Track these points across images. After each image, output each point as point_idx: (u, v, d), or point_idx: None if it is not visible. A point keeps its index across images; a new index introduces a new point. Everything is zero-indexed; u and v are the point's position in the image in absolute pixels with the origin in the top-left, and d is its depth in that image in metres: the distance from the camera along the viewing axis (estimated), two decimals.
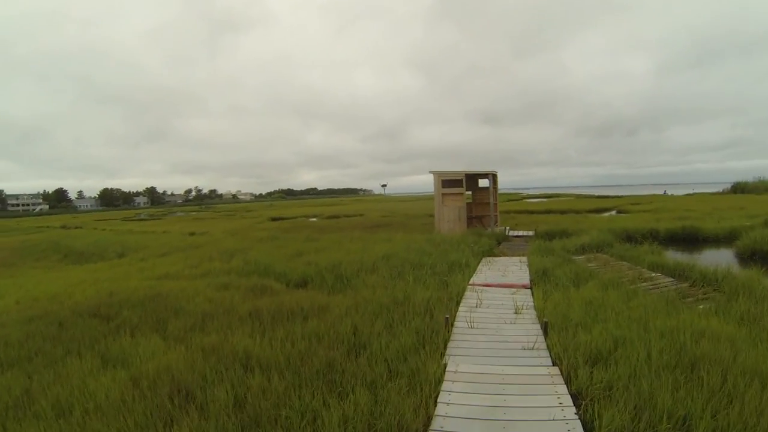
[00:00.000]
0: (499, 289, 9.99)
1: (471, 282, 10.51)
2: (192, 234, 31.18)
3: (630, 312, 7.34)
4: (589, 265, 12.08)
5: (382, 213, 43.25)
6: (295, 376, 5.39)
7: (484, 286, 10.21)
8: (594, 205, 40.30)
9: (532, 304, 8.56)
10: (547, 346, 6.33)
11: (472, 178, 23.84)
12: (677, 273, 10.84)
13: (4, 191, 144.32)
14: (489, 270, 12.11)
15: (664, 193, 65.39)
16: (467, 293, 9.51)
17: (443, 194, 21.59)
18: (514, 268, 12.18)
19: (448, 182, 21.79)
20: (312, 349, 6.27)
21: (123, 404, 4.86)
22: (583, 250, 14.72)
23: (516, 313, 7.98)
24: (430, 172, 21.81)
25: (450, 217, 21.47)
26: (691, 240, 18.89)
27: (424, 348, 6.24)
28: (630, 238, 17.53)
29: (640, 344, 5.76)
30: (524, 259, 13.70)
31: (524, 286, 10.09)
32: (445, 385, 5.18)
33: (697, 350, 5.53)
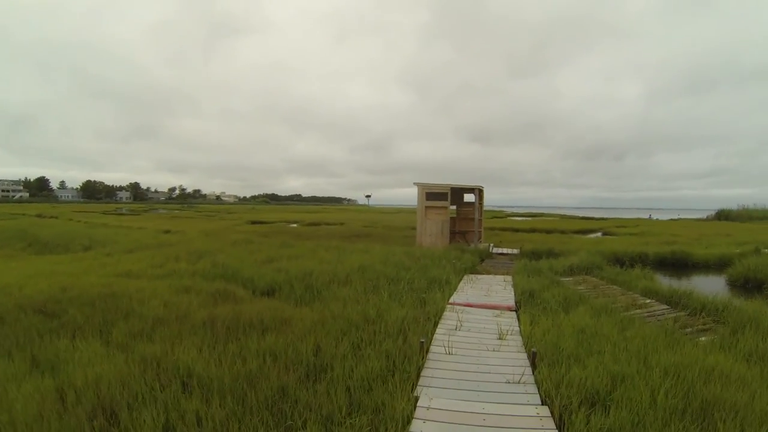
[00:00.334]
0: (482, 310, 9.15)
1: (451, 301, 9.68)
2: (167, 232, 30.07)
3: (627, 343, 6.62)
4: (579, 288, 11.31)
5: (363, 223, 42.49)
6: (239, 404, 4.63)
7: (465, 305, 9.38)
8: (579, 226, 39.73)
9: (518, 329, 7.73)
10: (536, 380, 5.51)
11: (457, 192, 23.16)
12: (673, 300, 10.13)
13: None
14: (471, 288, 11.29)
15: (649, 217, 65.32)
16: (446, 313, 8.67)
17: (427, 207, 20.81)
18: (498, 288, 11.39)
19: (433, 195, 20.99)
20: (265, 369, 5.49)
21: (37, 420, 4.22)
22: (571, 271, 13.96)
23: (500, 338, 7.15)
24: (415, 183, 21.02)
25: (432, 231, 20.68)
26: (680, 265, 18.35)
27: (393, 376, 5.45)
28: (619, 260, 16.93)
29: (642, 383, 5.04)
30: (509, 278, 12.94)
31: (509, 308, 9.28)
32: (414, 425, 4.35)
33: (707, 392, 4.85)
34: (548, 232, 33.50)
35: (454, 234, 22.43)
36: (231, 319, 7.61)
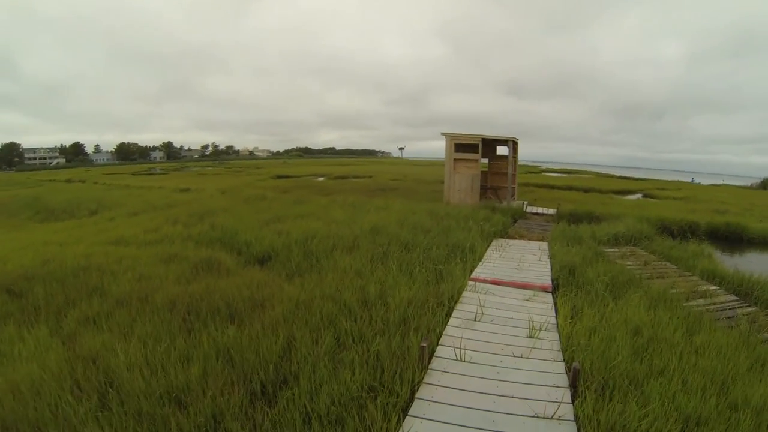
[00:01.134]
0: (511, 289, 7.44)
1: (474, 276, 8.00)
2: (185, 190, 28.85)
3: (698, 357, 4.97)
4: (627, 264, 9.47)
5: (393, 176, 40.59)
6: None
7: (490, 282, 7.68)
8: (618, 185, 36.74)
9: (555, 322, 5.98)
10: (576, 416, 3.85)
11: (489, 144, 20.89)
12: (743, 290, 8.32)
13: (22, 145, 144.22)
14: (500, 258, 9.57)
15: (692, 180, 61.76)
16: (466, 294, 7.00)
17: (455, 160, 18.78)
18: (532, 258, 9.61)
19: (462, 146, 18.97)
20: (206, 381, 4.26)
21: None
22: (616, 241, 12.05)
23: (531, 336, 5.46)
24: (443, 133, 18.96)
25: (461, 186, 18.71)
26: (735, 239, 15.88)
27: (376, 400, 3.91)
28: (667, 229, 14.89)
29: None
30: (545, 245, 11.13)
31: (544, 288, 7.53)
32: None
33: None
34: (586, 191, 30.87)
35: (485, 190, 20.49)
36: (200, 300, 6.46)
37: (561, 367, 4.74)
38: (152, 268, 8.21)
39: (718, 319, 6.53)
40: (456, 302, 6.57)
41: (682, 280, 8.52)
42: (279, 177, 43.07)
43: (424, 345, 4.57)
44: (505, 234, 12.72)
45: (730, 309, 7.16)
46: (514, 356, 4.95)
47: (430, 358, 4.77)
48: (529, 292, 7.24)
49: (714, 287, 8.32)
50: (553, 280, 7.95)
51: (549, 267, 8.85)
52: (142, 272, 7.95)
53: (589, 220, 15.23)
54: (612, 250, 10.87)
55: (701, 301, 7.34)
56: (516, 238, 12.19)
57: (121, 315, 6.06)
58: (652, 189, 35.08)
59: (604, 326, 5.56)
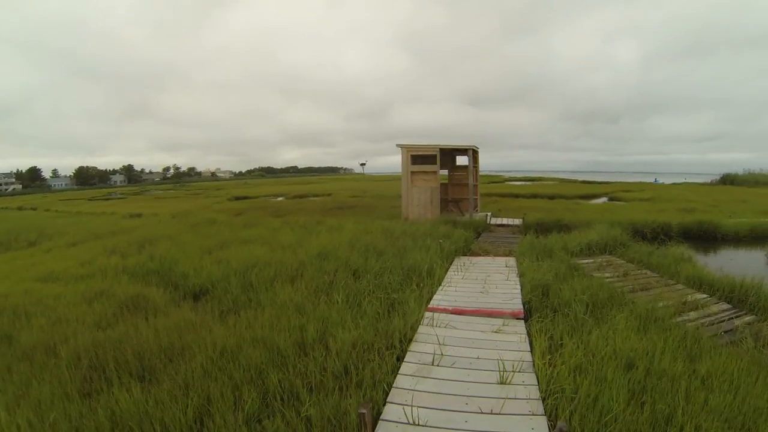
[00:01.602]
0: (476, 319, 6.37)
1: (432, 305, 6.92)
2: (137, 215, 27.56)
3: (709, 395, 4.01)
4: (605, 276, 8.57)
5: (353, 193, 39.72)
6: None
7: (451, 312, 6.62)
8: (582, 190, 36.66)
9: (531, 360, 4.92)
10: None
11: (448, 154, 20.02)
12: (735, 297, 7.52)
13: None
14: (462, 281, 8.50)
15: (655, 181, 62.40)
16: (422, 330, 5.91)
17: (413, 172, 17.69)
18: (499, 278, 8.59)
19: (419, 158, 17.95)
20: None
21: None
22: (589, 250, 11.16)
23: (502, 382, 4.42)
24: (398, 145, 17.87)
25: (420, 201, 17.63)
26: (708, 237, 15.50)
27: None
28: (638, 232, 14.24)
29: None
30: (512, 261, 10.14)
31: (515, 315, 6.46)
32: None
33: None
34: (551, 197, 30.38)
35: (446, 203, 19.53)
36: (112, 350, 5.46)
37: (542, 424, 3.71)
38: (73, 310, 7.34)
39: (717, 334, 5.68)
40: (410, 342, 5.47)
41: (668, 291, 7.67)
42: (237, 198, 41.76)
43: (363, 411, 3.48)
44: (467, 251, 11.66)
45: (726, 320, 6.35)
46: (481, 412, 3.89)
47: (374, 425, 3.69)
48: (498, 321, 6.17)
49: (704, 296, 7.53)
50: (524, 304, 6.89)
51: (519, 287, 7.80)
52: (61, 315, 7.10)
53: (558, 229, 14.32)
54: (586, 261, 9.97)
55: (693, 314, 6.51)
56: (480, 255, 11.17)
57: (21, 371, 5.20)
58: (617, 192, 34.92)
59: (590, 362, 4.57)
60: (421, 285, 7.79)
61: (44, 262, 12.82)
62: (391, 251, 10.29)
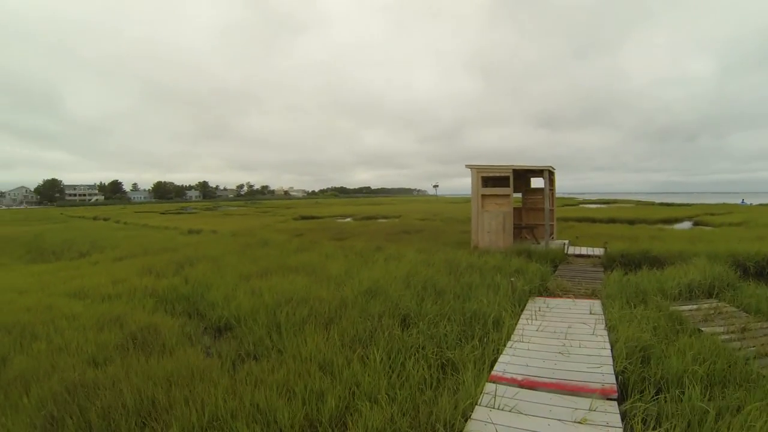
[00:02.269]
0: (553, 396, 4.80)
1: (496, 373, 5.40)
2: (197, 232, 27.35)
3: None
4: (718, 332, 6.71)
5: (423, 215, 37.98)
6: None
7: (521, 385, 5.07)
8: (662, 214, 32.64)
9: None
10: None
11: (522, 176, 18.26)
12: None
13: (63, 182, 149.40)
14: (537, 332, 6.91)
15: (742, 202, 56.98)
16: (479, 412, 4.42)
17: (483, 196, 16.11)
18: (583, 331, 6.93)
19: (491, 180, 16.45)
20: None
21: None
22: (690, 292, 9.17)
23: None
24: (467, 166, 16.38)
25: (492, 227, 15.98)
26: None
27: None
28: (740, 266, 11.66)
29: None
30: (597, 306, 8.42)
31: (605, 394, 4.81)
32: None
33: None
34: (631, 222, 27.35)
35: (519, 229, 17.82)
36: (79, 400, 4.64)
37: None
38: (79, 336, 6.79)
39: None
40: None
41: None
42: (303, 218, 41.29)
43: None
44: (544, 290, 9.93)
45: None
46: None
47: None
48: (582, 402, 4.58)
49: None
50: (617, 375, 5.25)
51: (608, 347, 6.14)
52: (65, 340, 6.62)
53: (647, 262, 12.32)
54: (689, 308, 8.07)
55: None
56: (558, 296, 9.47)
57: None
58: (701, 215, 31.09)
59: None
60: (486, 340, 6.31)
61: (84, 275, 12.64)
62: (452, 290, 8.85)
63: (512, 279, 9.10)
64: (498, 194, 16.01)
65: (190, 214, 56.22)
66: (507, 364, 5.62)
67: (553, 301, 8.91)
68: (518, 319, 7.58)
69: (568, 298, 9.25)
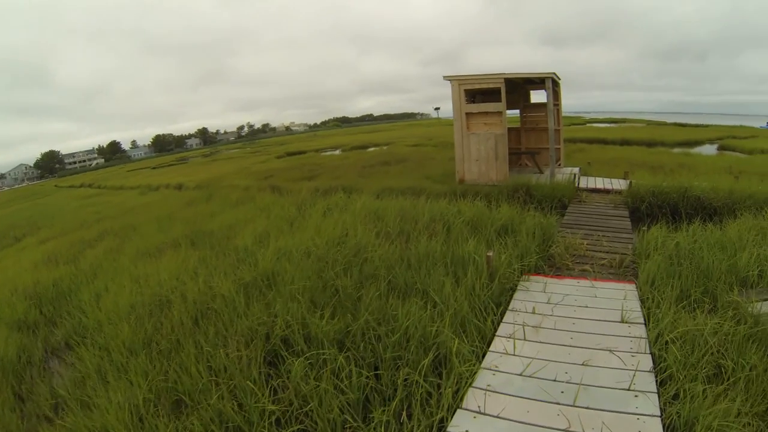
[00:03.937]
0: None
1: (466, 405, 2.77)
2: (155, 188, 24.47)
3: None
4: None
5: (417, 140, 34.28)
6: None
7: None
8: (680, 135, 27.06)
9: None
10: None
11: (518, 88, 14.22)
12: None
13: (61, 151, 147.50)
14: (519, 385, 3.46)
15: (767, 125, 50.70)
16: None
17: (468, 114, 12.43)
18: (610, 365, 3.69)
19: (477, 93, 12.86)
20: None
21: None
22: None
23: None
24: (445, 77, 12.54)
25: (480, 154, 12.45)
26: None
27: None
28: None
29: None
30: (632, 301, 4.93)
31: None
32: None
33: None
34: (649, 144, 22.98)
35: (518, 156, 14.38)
36: None
37: None
38: None
39: None
40: None
41: None
42: (290, 154, 38.42)
43: None
44: (545, 260, 6.56)
45: None
46: None
47: None
48: None
49: None
50: None
51: (652, 377, 3.23)
52: None
53: (687, 206, 8.99)
54: None
55: None
56: (567, 266, 6.22)
57: None
58: (725, 138, 25.47)
59: None
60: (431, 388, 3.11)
61: None
62: (388, 275, 5.54)
63: (489, 253, 5.60)
64: (487, 111, 12.29)
65: (180, 165, 53.14)
66: (487, 380, 2.67)
67: (557, 286, 5.52)
68: (489, 343, 4.21)
69: (583, 278, 5.81)
